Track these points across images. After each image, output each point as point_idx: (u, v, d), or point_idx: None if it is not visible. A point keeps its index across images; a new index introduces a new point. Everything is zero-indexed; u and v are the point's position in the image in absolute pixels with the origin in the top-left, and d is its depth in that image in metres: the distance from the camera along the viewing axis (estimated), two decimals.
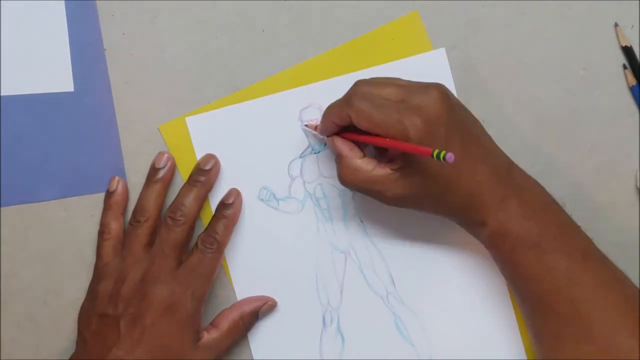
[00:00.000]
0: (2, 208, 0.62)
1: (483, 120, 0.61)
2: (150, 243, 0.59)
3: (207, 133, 0.61)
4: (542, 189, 0.56)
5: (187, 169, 0.61)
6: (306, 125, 0.61)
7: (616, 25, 0.61)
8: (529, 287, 0.54)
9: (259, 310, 0.61)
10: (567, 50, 0.61)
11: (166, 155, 0.61)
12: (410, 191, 0.54)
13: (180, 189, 0.60)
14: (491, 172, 0.54)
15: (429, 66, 0.61)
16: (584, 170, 0.61)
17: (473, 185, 0.53)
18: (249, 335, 0.61)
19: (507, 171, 0.55)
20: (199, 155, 0.61)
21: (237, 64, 0.61)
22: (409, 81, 0.55)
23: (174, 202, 0.59)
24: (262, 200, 0.62)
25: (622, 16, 0.61)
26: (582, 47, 0.61)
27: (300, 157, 0.62)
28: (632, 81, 0.61)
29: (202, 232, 0.59)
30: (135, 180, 0.62)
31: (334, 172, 0.58)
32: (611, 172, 0.61)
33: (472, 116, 0.56)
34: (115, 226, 0.60)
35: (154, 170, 0.61)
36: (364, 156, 0.55)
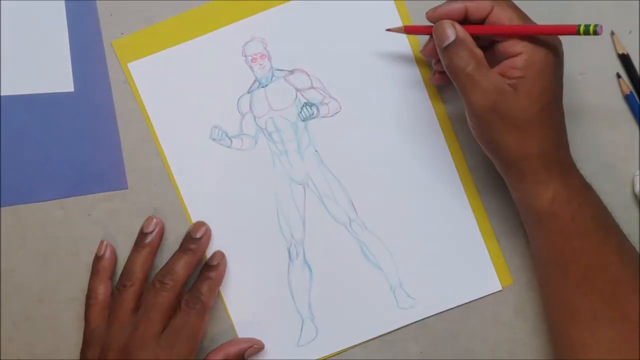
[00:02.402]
0: (1, 208, 0.62)
1: None
2: (136, 308, 0.59)
3: (151, 77, 0.61)
4: (591, 189, 0.56)
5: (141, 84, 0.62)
6: (389, 29, 0.58)
7: (612, 33, 0.61)
8: (579, 260, 0.53)
9: (244, 353, 0.61)
10: (565, 54, 0.61)
11: (155, 220, 0.61)
12: (528, 102, 0.52)
13: (172, 256, 0.60)
14: (564, 137, 0.54)
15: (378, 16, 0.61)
16: None
17: (555, 137, 0.53)
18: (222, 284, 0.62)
19: (568, 165, 0.55)
20: (146, 103, 0.61)
21: None
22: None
23: (164, 267, 0.59)
24: (214, 139, 0.62)
25: (621, 21, 0.61)
26: (579, 52, 0.61)
27: (249, 92, 0.62)
28: (626, 90, 0.61)
29: (186, 293, 0.59)
30: (135, 180, 0.62)
31: (284, 105, 0.61)
32: (608, 176, 0.61)
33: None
34: (102, 290, 0.60)
35: (142, 235, 0.61)
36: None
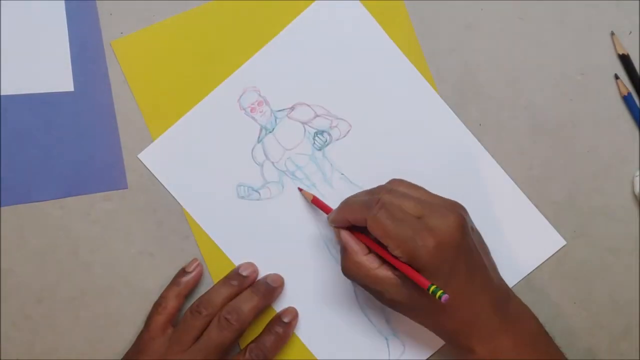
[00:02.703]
0: (1, 208, 0.62)
1: (480, 124, 0.61)
2: (199, 337, 0.58)
3: (163, 160, 0.62)
4: (536, 320, 0.56)
5: (140, 86, 0.61)
6: (301, 190, 0.61)
7: (612, 34, 0.61)
8: None
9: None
10: (564, 55, 0.61)
11: (253, 267, 0.61)
12: (407, 301, 0.54)
13: (242, 293, 0.60)
14: (489, 303, 0.54)
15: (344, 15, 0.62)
16: (580, 175, 0.61)
17: (470, 314, 0.54)
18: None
19: (504, 301, 0.55)
20: (166, 185, 0.62)
21: None
22: (431, 195, 0.56)
23: (232, 303, 0.59)
24: (242, 197, 0.62)
25: (620, 22, 0.61)
26: (579, 53, 0.61)
27: (259, 141, 0.62)
28: (624, 91, 0.61)
29: (252, 342, 0.59)
30: (135, 181, 0.62)
31: (296, 142, 0.61)
32: (607, 177, 0.61)
33: (482, 242, 0.57)
34: (173, 304, 0.60)
35: (237, 275, 0.61)
36: (369, 253, 0.56)
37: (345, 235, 0.56)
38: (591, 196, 0.61)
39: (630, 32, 0.61)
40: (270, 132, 0.62)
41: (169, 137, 0.62)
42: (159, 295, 0.61)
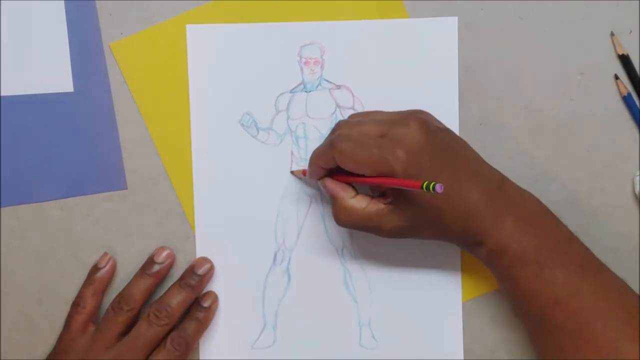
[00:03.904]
0: (1, 208, 0.62)
1: (480, 124, 0.61)
2: (124, 332, 0.58)
3: (204, 45, 0.61)
4: (537, 200, 0.56)
5: (139, 87, 0.61)
6: (292, 172, 0.61)
7: (612, 34, 0.61)
8: (530, 302, 0.54)
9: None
10: (564, 54, 0.61)
11: (167, 252, 0.61)
12: (405, 222, 0.54)
13: (170, 288, 0.60)
14: (483, 191, 0.54)
15: (436, 32, 0.61)
16: (580, 175, 0.61)
17: (466, 206, 0.53)
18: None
19: (499, 187, 0.55)
20: (192, 65, 0.61)
21: None
22: (387, 113, 0.56)
23: (161, 299, 0.59)
24: (242, 125, 0.62)
25: (621, 21, 0.61)
26: (579, 52, 0.61)
27: (291, 92, 0.62)
28: (624, 91, 0.61)
29: (174, 332, 0.59)
30: (135, 181, 0.62)
31: (321, 115, 0.61)
32: (608, 176, 0.61)
33: (457, 137, 0.56)
34: (91, 302, 0.60)
35: (150, 262, 0.60)
36: (357, 194, 0.55)
37: (330, 183, 0.56)
38: (591, 196, 0.61)
39: (631, 32, 0.61)
40: (306, 91, 0.61)
41: (221, 30, 0.61)
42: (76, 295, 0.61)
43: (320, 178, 0.57)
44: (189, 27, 0.61)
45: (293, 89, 0.62)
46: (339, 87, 0.62)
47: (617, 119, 0.61)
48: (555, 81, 0.61)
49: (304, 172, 0.60)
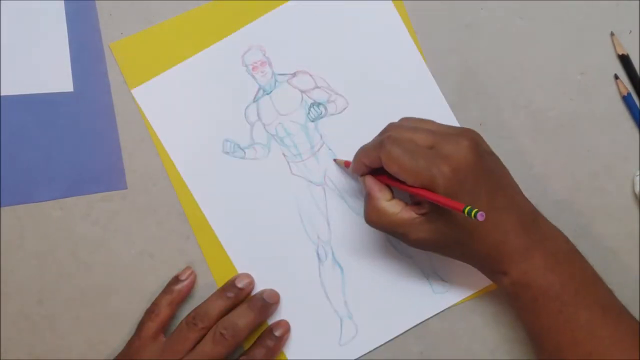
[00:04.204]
0: (1, 208, 0.62)
1: (480, 124, 0.61)
2: (193, 348, 0.58)
3: (157, 100, 0.62)
4: (566, 238, 0.56)
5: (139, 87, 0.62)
6: (335, 160, 0.62)
7: (612, 34, 0.61)
8: (548, 337, 0.54)
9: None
10: (564, 55, 0.61)
11: (250, 279, 0.61)
12: (434, 236, 0.54)
13: (239, 307, 0.60)
14: (516, 222, 0.54)
15: (375, 13, 0.61)
16: (580, 174, 0.61)
17: (498, 235, 0.53)
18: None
19: (532, 221, 0.55)
20: (153, 122, 0.61)
21: None
22: (440, 126, 0.55)
23: (229, 318, 0.59)
24: (227, 153, 0.62)
25: (621, 21, 0.61)
26: (579, 52, 0.61)
27: (254, 101, 0.62)
28: (624, 91, 0.61)
29: (243, 355, 0.59)
30: (135, 181, 0.62)
31: (291, 109, 0.61)
32: (608, 176, 0.61)
33: (501, 163, 0.56)
34: (166, 312, 0.60)
35: (232, 285, 0.60)
36: (392, 198, 0.55)
37: (370, 181, 0.56)
38: (591, 196, 0.61)
39: (630, 32, 0.61)
40: (267, 93, 0.62)
41: (166, 79, 0.62)
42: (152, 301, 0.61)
43: (363, 175, 0.57)
44: (135, 91, 0.61)
45: (255, 97, 0.62)
46: (294, 74, 0.62)
47: (617, 119, 0.61)
48: (555, 81, 0.61)
49: (346, 164, 0.60)
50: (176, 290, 0.60)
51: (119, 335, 0.61)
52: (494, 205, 0.53)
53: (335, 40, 0.61)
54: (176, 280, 0.61)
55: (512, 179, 0.56)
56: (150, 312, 0.60)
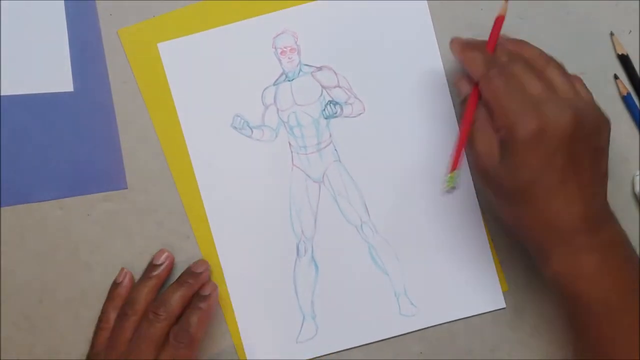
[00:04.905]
0: (1, 208, 0.62)
1: None
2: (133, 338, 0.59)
3: (179, 59, 0.61)
4: (632, 249, 0.53)
5: (145, 78, 0.61)
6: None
7: (612, 34, 0.61)
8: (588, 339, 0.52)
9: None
10: (564, 54, 0.61)
11: (166, 253, 0.61)
12: (503, 175, 0.52)
13: (168, 287, 0.60)
14: (581, 215, 0.51)
15: (405, 11, 0.61)
16: None
17: (556, 217, 0.51)
18: (223, 269, 0.61)
19: (600, 221, 0.52)
20: (172, 81, 0.61)
21: None
22: (563, 81, 0.53)
23: (159, 298, 0.59)
24: (235, 128, 0.62)
25: (621, 21, 0.61)
26: (579, 52, 0.61)
27: (274, 84, 0.62)
28: (624, 91, 0.61)
29: (176, 326, 0.58)
30: (135, 181, 0.62)
31: (308, 101, 0.61)
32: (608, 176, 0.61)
33: (598, 159, 0.53)
34: (114, 317, 0.60)
35: (151, 266, 0.61)
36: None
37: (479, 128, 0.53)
38: None
39: (630, 32, 0.61)
40: (289, 80, 0.62)
41: (193, 40, 0.61)
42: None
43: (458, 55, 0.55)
44: (161, 46, 0.61)
45: (276, 81, 0.62)
46: (319, 68, 0.62)
47: (616, 119, 0.61)
48: None
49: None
50: (117, 295, 0.60)
51: None
52: (564, 187, 0.51)
53: (367, 43, 0.61)
54: (115, 285, 0.61)
55: (602, 178, 0.53)
56: (99, 322, 0.60)
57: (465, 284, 0.61)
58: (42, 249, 0.62)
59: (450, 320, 0.61)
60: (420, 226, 0.61)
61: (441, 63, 0.61)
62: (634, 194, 0.61)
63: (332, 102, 0.62)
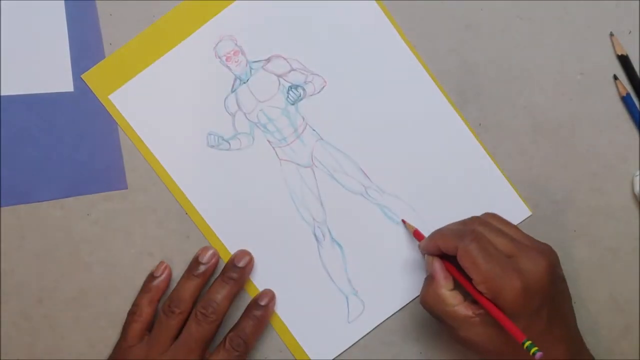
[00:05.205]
0: (1, 208, 0.62)
1: (480, 124, 0.61)
2: (177, 335, 0.59)
3: (134, 103, 0.61)
4: None
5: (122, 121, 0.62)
6: (404, 222, 0.61)
7: (611, 34, 0.61)
8: None
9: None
10: (564, 55, 0.61)
11: (211, 251, 0.61)
12: (483, 341, 0.54)
13: (213, 284, 0.60)
14: (564, 354, 0.54)
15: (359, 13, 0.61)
16: (580, 175, 0.61)
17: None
18: (252, 278, 0.62)
19: (578, 353, 0.55)
20: (135, 127, 0.61)
21: None
22: (524, 236, 0.56)
23: (205, 296, 0.59)
24: (212, 146, 0.62)
25: (620, 21, 0.61)
26: (579, 52, 0.61)
27: (232, 91, 0.62)
28: (623, 91, 0.61)
29: (231, 331, 0.59)
30: (135, 181, 0.62)
31: (270, 94, 0.61)
32: (607, 176, 0.61)
33: (567, 291, 0.56)
34: (147, 310, 0.60)
35: (196, 263, 0.60)
36: (454, 289, 0.55)
37: (438, 265, 0.56)
38: (591, 196, 0.61)
39: (630, 32, 0.61)
40: (244, 82, 0.62)
41: (141, 80, 0.61)
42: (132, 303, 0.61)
43: (431, 254, 0.57)
44: (112, 97, 0.61)
45: (232, 87, 0.62)
46: (268, 60, 0.62)
47: (616, 119, 0.61)
48: (555, 81, 0.61)
49: (414, 233, 0.60)
50: (154, 287, 0.60)
51: (119, 335, 0.61)
52: (550, 333, 0.53)
53: (306, 21, 0.61)
54: (152, 277, 0.61)
55: (572, 307, 0.56)
56: (132, 314, 0.60)
57: (487, 207, 0.60)
58: (42, 249, 0.62)
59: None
60: (421, 170, 0.62)
61: (385, 16, 0.61)
62: (634, 194, 0.61)
63: (293, 87, 0.62)
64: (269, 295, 0.61)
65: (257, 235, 0.62)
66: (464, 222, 0.57)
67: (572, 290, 0.57)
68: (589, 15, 0.61)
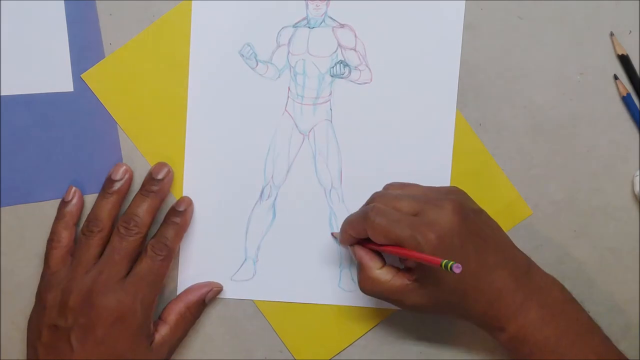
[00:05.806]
0: (1, 208, 0.62)
1: (480, 124, 0.61)
2: (100, 254, 0.58)
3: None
4: (561, 286, 0.56)
5: (119, 110, 0.62)
6: (333, 234, 0.62)
7: (612, 34, 0.61)
8: None
9: (205, 298, 0.61)
10: (564, 54, 0.61)
11: (124, 167, 0.60)
12: (428, 301, 0.54)
13: (133, 199, 0.60)
14: (509, 277, 0.54)
15: (444, 7, 0.61)
16: (580, 175, 0.61)
17: (491, 293, 0.54)
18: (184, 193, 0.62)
19: (525, 273, 0.55)
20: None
21: None
22: (423, 190, 0.56)
23: (126, 211, 0.59)
24: (242, 55, 0.61)
25: (620, 21, 0.61)
26: (579, 52, 0.61)
27: (294, 26, 0.61)
28: (623, 91, 0.61)
29: (152, 238, 0.59)
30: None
31: (321, 53, 0.61)
32: (607, 176, 0.61)
33: (489, 219, 0.56)
34: (65, 235, 0.60)
35: (110, 181, 0.60)
36: (384, 265, 0.56)
37: (360, 251, 0.56)
38: (591, 196, 0.61)
39: (630, 32, 0.61)
40: (309, 27, 0.61)
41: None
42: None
43: (351, 245, 0.57)
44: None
45: (296, 23, 0.61)
46: (342, 25, 0.61)
47: (616, 119, 0.61)
48: (555, 81, 0.61)
49: (333, 234, 0.61)
50: (68, 213, 0.60)
51: None
52: (485, 264, 0.53)
53: (395, 18, 0.61)
54: (64, 203, 0.61)
55: (502, 232, 0.56)
56: (50, 241, 0.60)
57: None
58: (42, 249, 0.62)
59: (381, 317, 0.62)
60: (423, 175, 0.61)
61: (458, 64, 0.61)
62: (634, 195, 0.61)
63: (343, 63, 0.61)
64: (187, 201, 0.61)
65: (219, 158, 0.61)
66: (366, 202, 0.57)
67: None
68: (589, 15, 0.61)
